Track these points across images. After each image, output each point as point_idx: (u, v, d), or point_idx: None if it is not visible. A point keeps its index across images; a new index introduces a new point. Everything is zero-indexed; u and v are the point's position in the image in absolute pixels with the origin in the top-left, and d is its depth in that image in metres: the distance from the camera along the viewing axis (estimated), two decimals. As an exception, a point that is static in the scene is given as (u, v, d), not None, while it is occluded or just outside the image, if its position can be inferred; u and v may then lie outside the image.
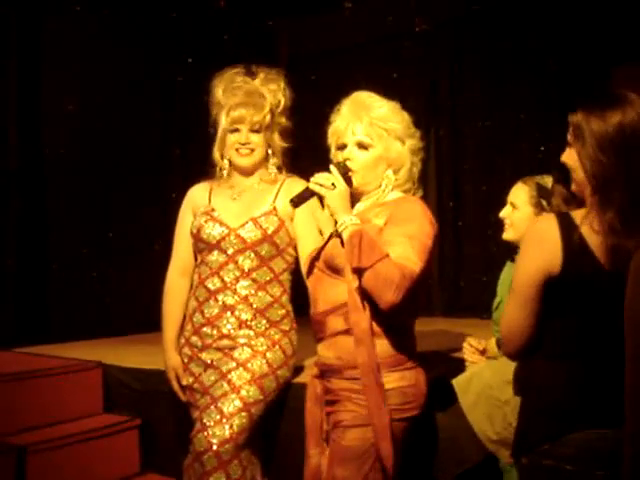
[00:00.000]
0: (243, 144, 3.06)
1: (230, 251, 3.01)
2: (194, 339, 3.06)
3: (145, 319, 4.56)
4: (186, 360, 3.10)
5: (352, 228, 2.35)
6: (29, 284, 4.91)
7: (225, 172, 3.14)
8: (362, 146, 2.54)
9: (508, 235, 3.01)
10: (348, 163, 2.53)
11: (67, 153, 5.08)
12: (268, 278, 3.04)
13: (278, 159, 3.14)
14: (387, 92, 6.39)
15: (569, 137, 2.08)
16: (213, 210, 3.08)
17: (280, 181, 3.13)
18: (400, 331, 2.46)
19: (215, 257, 3.03)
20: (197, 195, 3.20)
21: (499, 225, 3.10)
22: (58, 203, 5.08)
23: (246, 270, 3.01)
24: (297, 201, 2.54)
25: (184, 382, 3.09)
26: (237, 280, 3.01)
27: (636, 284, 1.65)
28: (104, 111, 5.23)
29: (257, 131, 3.06)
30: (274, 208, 3.07)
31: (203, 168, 3.28)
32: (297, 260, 3.10)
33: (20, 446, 3.43)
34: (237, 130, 3.06)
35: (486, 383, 2.74)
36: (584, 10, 5.09)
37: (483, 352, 3.05)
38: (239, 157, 3.09)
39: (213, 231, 3.03)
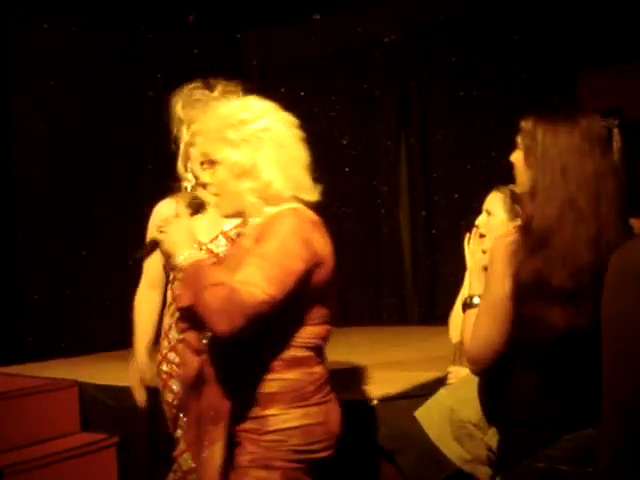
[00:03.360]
0: None
1: None
2: (171, 356, 3.01)
3: (120, 336, 4.52)
4: (164, 377, 3.03)
5: (185, 265, 2.18)
6: (2, 303, 4.86)
7: (189, 186, 3.06)
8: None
9: (485, 245, 3.04)
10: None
11: (38, 171, 5.07)
12: None
13: None
14: (357, 102, 6.45)
15: (518, 140, 2.11)
16: None
17: None
18: (302, 363, 2.23)
19: None
20: (163, 212, 3.08)
21: (471, 228, 3.13)
22: (30, 221, 5.05)
23: None
24: (144, 255, 2.45)
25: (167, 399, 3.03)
26: None
27: (611, 290, 1.67)
28: (75, 128, 5.20)
29: None
30: (245, 221, 3.06)
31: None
32: None
33: (-4, 468, 3.40)
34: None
35: (447, 407, 2.75)
36: (551, 17, 5.16)
37: None
38: (202, 170, 2.95)
39: None
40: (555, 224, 1.96)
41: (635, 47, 4.80)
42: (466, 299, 2.29)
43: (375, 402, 3.01)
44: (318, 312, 2.22)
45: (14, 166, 4.99)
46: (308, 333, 2.22)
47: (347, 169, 6.27)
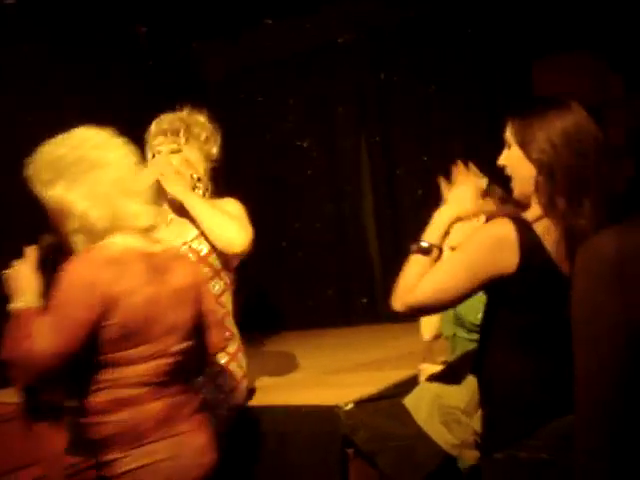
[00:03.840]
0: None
1: None
2: None
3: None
4: None
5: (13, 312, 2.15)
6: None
7: None
8: None
9: (450, 242, 3.05)
10: None
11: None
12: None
13: (204, 181, 3.18)
14: (316, 103, 6.44)
15: (508, 137, 2.14)
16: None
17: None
18: (133, 402, 2.18)
19: None
20: None
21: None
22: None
23: None
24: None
25: None
26: None
27: (580, 287, 1.69)
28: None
29: (175, 152, 3.13)
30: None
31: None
32: (237, 282, 3.15)
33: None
34: (158, 153, 3.16)
35: (435, 394, 2.77)
36: (503, 5, 5.19)
37: None
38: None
39: None
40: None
41: (585, 35, 4.84)
42: (413, 243, 2.29)
43: (351, 405, 3.00)
44: (142, 350, 2.16)
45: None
46: (135, 372, 2.16)
47: (309, 172, 6.25)
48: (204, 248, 3.03)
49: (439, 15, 5.51)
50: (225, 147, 3.30)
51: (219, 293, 3.06)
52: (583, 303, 1.66)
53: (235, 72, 6.30)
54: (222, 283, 3.09)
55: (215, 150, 3.22)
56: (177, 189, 3.05)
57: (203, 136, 3.18)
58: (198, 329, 2.35)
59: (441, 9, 5.47)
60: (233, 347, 3.07)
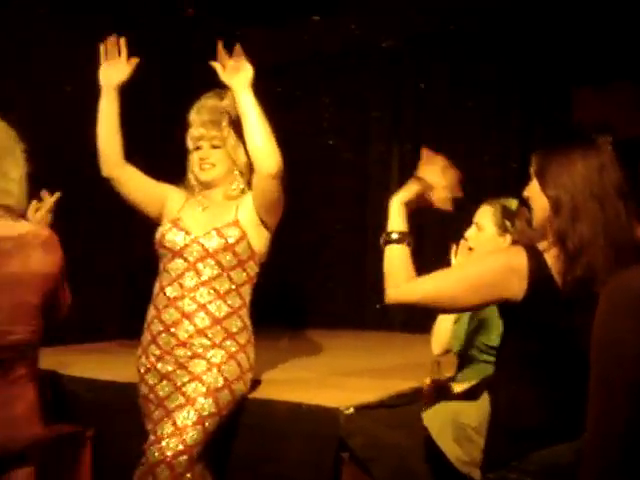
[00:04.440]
0: (203, 159, 3.16)
1: (191, 259, 3.03)
2: (152, 348, 3.05)
3: (99, 327, 4.51)
4: (143, 370, 3.09)
5: None
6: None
7: (192, 186, 3.26)
8: None
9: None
10: None
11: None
12: (228, 288, 3.04)
13: (245, 174, 3.19)
14: (352, 105, 6.43)
15: (532, 172, 2.17)
16: (179, 219, 3.15)
17: (244, 194, 3.18)
18: None
19: (177, 264, 3.05)
20: (174, 197, 3.27)
21: (458, 239, 3.14)
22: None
23: (206, 278, 3.02)
24: None
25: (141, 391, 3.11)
26: (197, 287, 3.01)
27: (603, 316, 1.68)
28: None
29: (217, 147, 3.15)
30: (237, 220, 3.09)
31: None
32: (258, 276, 3.15)
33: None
34: (199, 148, 3.17)
35: (452, 410, 2.77)
36: (546, 32, 5.16)
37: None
38: (200, 171, 3.19)
39: (176, 238, 3.08)
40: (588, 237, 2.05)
41: (626, 64, 4.81)
42: (385, 234, 2.38)
43: (351, 410, 2.99)
44: None
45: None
46: None
47: (338, 173, 6.25)
48: (232, 237, 3.04)
49: (486, 30, 5.49)
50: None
51: (240, 283, 3.08)
52: (606, 332, 1.65)
53: (275, 65, 6.28)
54: (244, 275, 3.09)
55: None
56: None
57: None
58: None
59: (489, 24, 5.45)
60: (243, 339, 3.07)
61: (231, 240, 3.05)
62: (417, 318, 5.77)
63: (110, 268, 5.26)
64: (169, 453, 2.78)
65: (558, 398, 2.07)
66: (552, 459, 2.04)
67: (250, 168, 3.17)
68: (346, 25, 5.96)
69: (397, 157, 6.14)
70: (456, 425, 2.72)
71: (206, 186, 3.22)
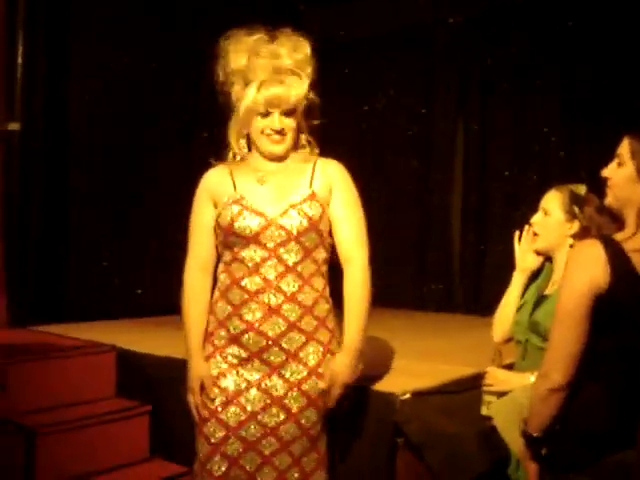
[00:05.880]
0: (277, 131, 2.64)
1: (271, 244, 2.58)
2: (234, 350, 2.61)
3: (163, 301, 4.54)
4: (216, 372, 2.63)
5: None
6: (48, 260, 4.92)
7: (238, 157, 2.73)
8: None
9: (538, 244, 2.97)
10: None
11: (91, 133, 5.09)
12: (312, 271, 2.63)
13: (307, 137, 2.73)
14: (416, 83, 6.31)
15: (623, 154, 2.08)
16: (242, 198, 2.63)
17: (312, 162, 2.72)
18: None
19: (253, 252, 2.59)
20: (216, 181, 2.73)
21: (523, 224, 3.06)
22: (80, 182, 5.09)
23: (290, 264, 2.59)
24: None
25: (212, 397, 2.62)
26: (281, 277, 2.58)
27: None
28: (129, 94, 5.21)
29: (290, 114, 2.64)
30: (313, 193, 2.65)
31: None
32: (333, 248, 2.73)
33: (30, 427, 3.44)
34: (269, 114, 2.62)
35: (519, 403, 2.69)
36: (619, 10, 4.97)
37: None
38: (270, 144, 2.66)
39: (250, 222, 2.59)
40: None
41: None
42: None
43: (407, 396, 2.95)
44: None
45: (68, 126, 5.02)
46: None
47: (401, 150, 6.18)
48: (316, 213, 2.63)
49: (557, 7, 5.32)
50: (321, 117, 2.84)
51: (321, 262, 2.67)
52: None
53: (338, 41, 6.22)
54: (324, 251, 2.69)
55: (316, 97, 2.74)
56: None
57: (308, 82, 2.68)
58: None
59: (561, 2, 5.29)
60: (332, 322, 2.72)
61: (315, 218, 2.62)
62: (481, 301, 5.76)
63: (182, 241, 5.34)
64: None
65: (633, 401, 1.97)
66: (623, 465, 1.96)
67: (313, 129, 2.75)
68: (412, 1, 5.86)
69: (461, 136, 6.03)
70: (521, 417, 2.67)
71: (270, 159, 2.71)
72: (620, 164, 2.11)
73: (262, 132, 2.64)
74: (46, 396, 3.71)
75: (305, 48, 2.70)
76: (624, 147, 2.11)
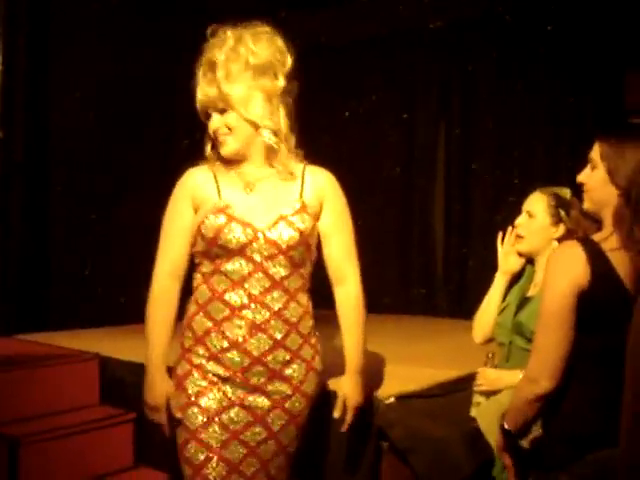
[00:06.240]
0: (214, 131, 2.50)
1: (258, 258, 2.42)
2: (213, 367, 2.44)
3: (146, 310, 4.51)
4: (195, 391, 2.45)
5: None
6: (32, 269, 4.90)
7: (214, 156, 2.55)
8: None
9: (521, 247, 2.98)
10: None
11: (72, 141, 5.07)
12: (299, 285, 2.50)
13: (290, 140, 2.53)
14: (398, 87, 6.31)
15: (594, 158, 2.11)
16: (228, 207, 2.45)
17: (300, 169, 2.55)
18: None
19: (237, 266, 2.42)
20: (198, 183, 2.53)
21: (505, 227, 3.08)
22: (61, 191, 5.07)
23: (278, 279, 2.44)
24: None
25: (191, 418, 2.44)
26: (267, 292, 2.42)
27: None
28: (112, 98, 5.19)
29: (225, 111, 2.45)
30: (304, 204, 2.50)
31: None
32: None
33: (13, 437, 3.42)
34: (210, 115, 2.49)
35: (501, 403, 2.71)
36: (598, 15, 5.02)
37: None
38: (219, 146, 2.51)
39: (236, 234, 2.41)
40: None
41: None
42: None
43: (392, 400, 2.96)
44: None
45: (50, 138, 5.01)
46: None
47: (383, 155, 6.20)
48: (307, 227, 2.48)
49: (534, 14, 5.37)
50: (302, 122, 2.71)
51: (307, 276, 2.55)
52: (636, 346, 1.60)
53: (318, 47, 6.23)
54: (310, 265, 2.56)
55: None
56: None
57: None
58: None
59: (538, 8, 5.33)
60: (314, 337, 2.60)
61: (307, 232, 2.47)
62: (464, 304, 5.77)
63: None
64: None
65: (614, 401, 1.92)
66: (606, 463, 1.97)
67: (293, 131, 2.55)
68: (394, 6, 5.88)
69: (443, 141, 6.06)
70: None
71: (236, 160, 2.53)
72: (593, 168, 2.14)
73: (214, 134, 2.50)
74: (29, 404, 3.69)
75: (273, 38, 2.57)
76: (595, 151, 2.14)
